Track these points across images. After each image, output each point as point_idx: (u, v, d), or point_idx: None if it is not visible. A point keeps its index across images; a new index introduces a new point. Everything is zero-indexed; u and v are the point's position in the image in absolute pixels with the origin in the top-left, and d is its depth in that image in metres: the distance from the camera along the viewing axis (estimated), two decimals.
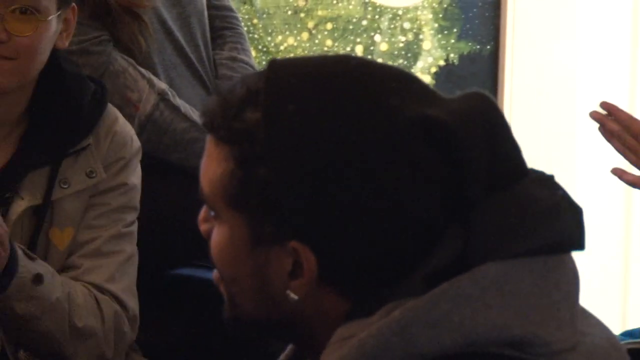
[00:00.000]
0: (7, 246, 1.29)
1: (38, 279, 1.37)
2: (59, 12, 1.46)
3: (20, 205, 1.47)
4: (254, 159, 0.81)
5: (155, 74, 1.94)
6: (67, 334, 1.44)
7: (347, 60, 0.93)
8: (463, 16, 2.84)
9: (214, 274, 0.91)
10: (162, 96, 1.91)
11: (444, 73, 2.92)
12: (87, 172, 1.51)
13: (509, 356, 0.78)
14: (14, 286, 1.33)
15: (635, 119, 2.16)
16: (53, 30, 1.47)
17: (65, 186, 1.49)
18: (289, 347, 0.98)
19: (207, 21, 2.17)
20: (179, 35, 2.05)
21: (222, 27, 2.18)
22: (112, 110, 1.56)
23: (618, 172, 2.22)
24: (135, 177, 1.57)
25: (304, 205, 0.82)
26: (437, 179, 0.81)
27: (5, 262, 1.34)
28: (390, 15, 2.83)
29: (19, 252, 1.35)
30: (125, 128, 1.57)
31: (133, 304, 1.51)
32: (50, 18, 1.46)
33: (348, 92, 0.86)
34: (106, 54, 1.86)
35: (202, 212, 0.91)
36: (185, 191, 1.64)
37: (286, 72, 0.88)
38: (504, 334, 0.79)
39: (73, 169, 1.50)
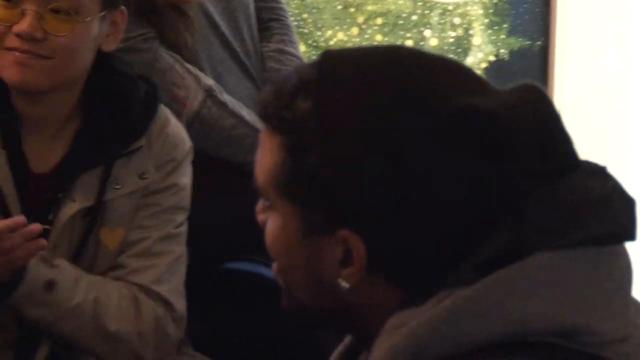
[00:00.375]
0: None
1: (50, 285, 1.39)
2: (102, 14, 1.46)
3: (71, 208, 1.48)
4: (304, 148, 0.83)
5: (202, 70, 1.94)
6: (95, 337, 1.46)
7: (399, 51, 0.95)
8: (513, 12, 2.85)
9: (273, 266, 0.93)
10: (209, 92, 1.92)
11: (494, 68, 2.93)
12: (139, 173, 1.53)
13: (559, 346, 0.78)
14: (21, 292, 1.36)
15: None
16: (94, 32, 1.48)
17: (118, 187, 1.50)
18: (347, 339, 0.98)
19: (253, 14, 2.16)
20: (225, 29, 2.05)
21: (269, 19, 2.17)
22: (164, 111, 1.58)
23: None
24: (186, 177, 1.59)
25: (353, 194, 0.83)
26: (487, 170, 0.81)
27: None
28: (440, 11, 2.86)
29: (32, 260, 1.37)
30: (177, 129, 1.59)
31: (180, 304, 1.52)
32: (89, 19, 1.47)
33: (399, 81, 0.86)
34: (153, 51, 1.87)
35: (260, 203, 0.92)
36: (233, 186, 1.78)
37: (338, 62, 0.89)
38: (555, 323, 0.79)
39: (125, 170, 1.51)
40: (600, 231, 0.81)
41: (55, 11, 1.44)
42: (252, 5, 2.18)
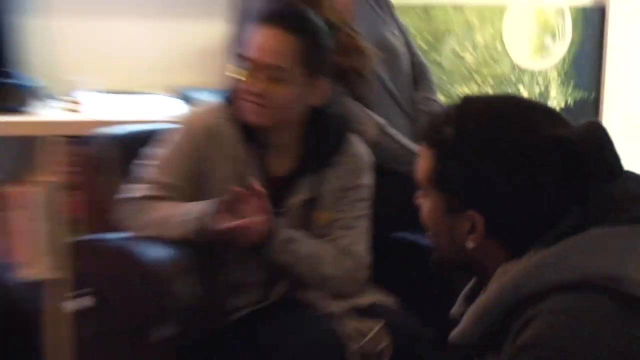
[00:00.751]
0: (272, 218, 1.79)
1: (291, 240, 1.89)
2: (308, 81, 1.97)
3: (298, 198, 2.03)
4: (448, 158, 1.12)
5: (376, 112, 2.52)
6: (316, 278, 1.97)
7: (511, 97, 1.34)
8: (576, 73, 3.72)
9: (426, 234, 1.25)
10: (380, 127, 2.46)
11: (564, 112, 3.53)
12: (338, 177, 2.07)
13: (605, 287, 1.03)
14: (275, 244, 1.85)
15: None
16: (300, 93, 1.99)
17: (326, 186, 2.04)
18: (472, 281, 1.30)
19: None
20: (390, 83, 2.62)
21: (419, 76, 2.75)
22: (353, 138, 2.11)
23: None
24: (368, 179, 2.12)
25: (478, 188, 1.11)
26: (564, 176, 1.09)
27: (270, 229, 1.87)
28: (530, 73, 3.73)
29: (280, 222, 1.88)
30: (361, 149, 2.12)
31: (366, 259, 2.05)
32: (296, 86, 1.98)
33: (512, 116, 1.14)
34: (344, 103, 2.39)
35: (418, 193, 1.23)
36: (398, 185, 2.19)
37: (472, 103, 1.20)
38: (604, 272, 1.04)
39: (330, 175, 2.05)
40: (637, 214, 1.09)
41: (275, 80, 1.94)
42: (410, 68, 2.80)
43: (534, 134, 1.15)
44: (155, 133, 2.15)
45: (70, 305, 2.33)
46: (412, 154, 1.88)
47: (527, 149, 1.14)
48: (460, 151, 1.15)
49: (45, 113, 2.56)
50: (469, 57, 3.47)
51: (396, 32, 2.73)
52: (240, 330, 2.09)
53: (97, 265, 2.27)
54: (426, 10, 3.25)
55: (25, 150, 2.53)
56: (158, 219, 1.97)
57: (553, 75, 3.73)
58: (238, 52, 2.18)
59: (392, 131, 2.45)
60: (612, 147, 1.15)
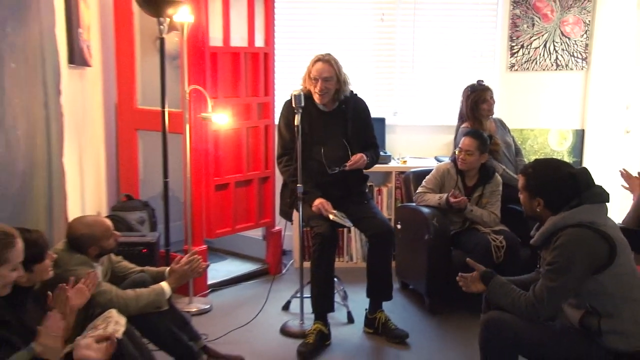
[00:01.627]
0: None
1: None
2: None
3: (476, 194, 4.92)
4: (529, 180, 3.05)
5: (502, 163, 5.35)
6: (485, 217, 4.94)
7: (552, 158, 3.69)
8: None
9: (523, 208, 3.14)
10: (503, 169, 5.32)
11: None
12: (491, 187, 4.95)
13: (588, 226, 2.86)
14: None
15: None
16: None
17: (488, 189, 4.90)
18: (537, 224, 3.14)
19: (513, 151, 5.65)
20: (508, 154, 5.54)
21: (517, 152, 5.75)
22: (495, 173, 5.00)
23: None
24: (500, 187, 4.99)
25: (544, 194, 2.99)
26: (574, 187, 2.95)
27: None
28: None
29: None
30: (498, 178, 4.98)
31: (499, 214, 5.02)
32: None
33: (552, 164, 3.09)
34: (491, 161, 5.22)
35: (520, 192, 3.10)
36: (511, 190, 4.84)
37: (537, 161, 3.17)
38: (587, 220, 2.89)
39: (488, 186, 4.88)
40: (603, 199, 2.97)
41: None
42: (513, 148, 5.59)
43: (563, 171, 2.98)
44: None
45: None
46: (515, 180, 4.56)
47: (560, 177, 2.97)
48: (533, 178, 3.02)
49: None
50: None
51: (508, 135, 5.49)
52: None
53: (406, 213, 5.20)
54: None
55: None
56: (428, 199, 4.83)
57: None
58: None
59: (507, 171, 5.22)
60: (591, 176, 2.94)
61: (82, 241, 3.32)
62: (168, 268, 3.63)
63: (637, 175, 4.16)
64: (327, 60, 4.39)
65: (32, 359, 2.14)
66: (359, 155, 4.43)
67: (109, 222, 3.49)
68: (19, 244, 2.18)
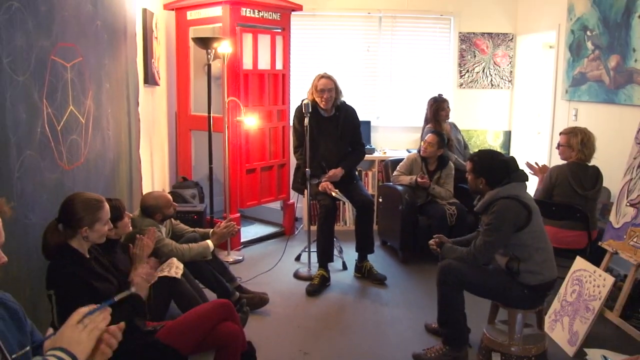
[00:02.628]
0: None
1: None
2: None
3: (435, 177, 4.90)
4: (475, 165, 3.03)
5: (455, 154, 5.31)
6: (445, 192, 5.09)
7: (493, 151, 3.09)
8: None
9: (469, 185, 3.16)
10: (455, 158, 5.20)
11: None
12: (445, 171, 4.97)
13: (515, 198, 2.88)
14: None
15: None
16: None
17: (442, 172, 4.89)
18: (479, 196, 3.11)
19: (463, 145, 5.58)
20: (460, 148, 5.54)
21: (465, 146, 5.82)
22: (449, 159, 5.07)
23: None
24: (453, 172, 5.03)
25: (485, 173, 2.98)
26: (508, 170, 2.93)
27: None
28: None
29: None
30: (450, 163, 4.96)
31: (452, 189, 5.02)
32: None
33: (492, 153, 3.05)
34: (447, 152, 5.25)
35: (468, 173, 3.05)
36: (461, 173, 4.95)
37: (480, 151, 3.09)
38: (514, 194, 2.92)
39: (443, 170, 4.95)
40: (524, 179, 3.00)
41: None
42: (462, 143, 5.66)
43: (499, 158, 2.99)
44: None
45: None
46: (464, 166, 4.76)
47: (497, 163, 2.96)
48: (478, 166, 3.00)
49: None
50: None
51: (459, 134, 5.47)
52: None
53: (385, 190, 5.18)
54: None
55: None
56: (401, 180, 4.91)
57: None
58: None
59: (458, 160, 5.19)
60: (517, 162, 2.97)
61: (150, 209, 3.42)
62: (212, 230, 3.71)
63: (538, 166, 4.22)
64: (329, 77, 4.42)
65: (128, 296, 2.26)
66: (332, 171, 4.43)
67: (169, 196, 3.56)
68: (106, 206, 2.20)
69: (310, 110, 4.24)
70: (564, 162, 3.98)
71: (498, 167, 2.97)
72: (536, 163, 4.27)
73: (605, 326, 3.49)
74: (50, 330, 1.37)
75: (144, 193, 4.00)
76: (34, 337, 1.45)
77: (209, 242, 3.51)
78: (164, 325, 2.40)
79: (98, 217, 2.16)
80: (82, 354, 1.24)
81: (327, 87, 4.32)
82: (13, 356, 1.27)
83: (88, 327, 1.27)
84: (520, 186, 2.97)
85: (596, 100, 4.75)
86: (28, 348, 1.34)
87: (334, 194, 4.30)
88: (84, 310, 1.30)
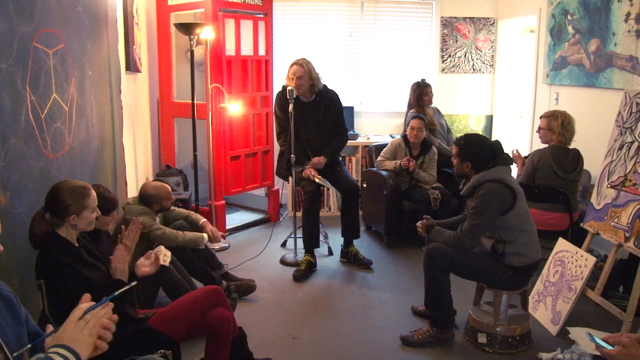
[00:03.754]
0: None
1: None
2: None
3: (419, 161, 4.90)
4: (461, 149, 3.02)
5: (439, 139, 5.30)
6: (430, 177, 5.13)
7: (480, 136, 3.47)
8: None
9: (454, 170, 3.16)
10: (439, 143, 5.27)
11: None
12: (429, 155, 5.05)
13: (501, 182, 2.90)
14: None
15: None
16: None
17: (426, 157, 4.98)
18: (464, 180, 3.07)
19: (446, 130, 5.65)
20: (443, 132, 5.54)
21: (448, 131, 5.81)
22: (432, 145, 5.06)
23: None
24: (437, 156, 5.11)
25: (472, 158, 2.98)
26: (493, 154, 2.94)
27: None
28: None
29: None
30: (434, 148, 5.01)
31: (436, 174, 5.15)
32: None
33: (478, 138, 3.06)
34: (431, 137, 5.23)
35: (453, 158, 3.05)
36: (446, 158, 4.99)
37: (467, 135, 3.09)
38: (500, 177, 2.93)
39: (427, 155, 4.99)
40: (509, 163, 3.01)
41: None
42: (446, 128, 5.70)
43: (484, 143, 3.00)
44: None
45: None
46: (447, 150, 4.90)
47: (482, 147, 2.97)
48: (464, 150, 2.99)
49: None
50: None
51: (442, 119, 5.49)
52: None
53: (370, 175, 5.19)
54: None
55: None
56: (386, 165, 5.00)
57: None
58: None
59: (442, 144, 5.25)
60: (502, 146, 2.99)
61: (149, 198, 3.40)
62: (202, 220, 3.69)
63: (516, 152, 4.29)
64: (300, 64, 4.34)
65: (110, 279, 2.24)
66: (315, 158, 4.40)
67: (170, 188, 3.53)
68: (93, 193, 2.20)
69: (294, 96, 4.22)
70: (545, 145, 4.01)
71: (484, 151, 2.98)
72: (516, 150, 4.36)
73: (586, 305, 3.55)
74: (50, 328, 1.35)
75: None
76: (29, 325, 1.46)
77: (205, 235, 3.52)
78: (155, 312, 2.40)
79: (85, 204, 2.16)
80: (85, 351, 1.24)
81: (297, 74, 4.26)
82: (14, 354, 1.27)
83: (90, 323, 1.27)
84: (505, 169, 2.98)
85: (577, 84, 4.84)
86: (29, 346, 1.33)
87: (317, 179, 4.31)
88: (84, 306, 1.30)
